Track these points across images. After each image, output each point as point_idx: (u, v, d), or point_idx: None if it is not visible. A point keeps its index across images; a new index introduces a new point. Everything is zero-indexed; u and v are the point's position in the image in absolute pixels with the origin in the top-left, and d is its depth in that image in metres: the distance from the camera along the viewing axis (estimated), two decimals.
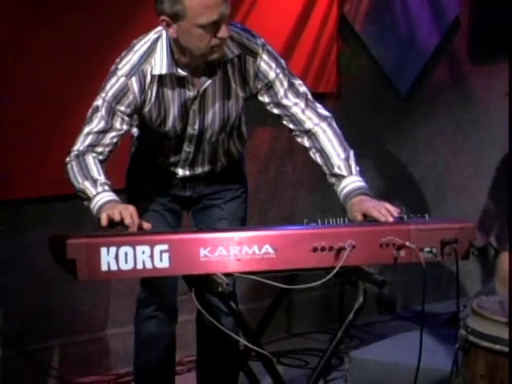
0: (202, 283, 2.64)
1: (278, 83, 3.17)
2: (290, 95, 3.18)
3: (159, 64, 3.08)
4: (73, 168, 3.03)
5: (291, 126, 3.22)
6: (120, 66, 3.09)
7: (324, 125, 3.18)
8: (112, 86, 3.08)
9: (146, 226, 2.84)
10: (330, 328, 4.83)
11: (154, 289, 3.30)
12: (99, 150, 3.07)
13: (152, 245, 2.56)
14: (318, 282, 2.68)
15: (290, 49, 4.82)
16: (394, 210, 2.92)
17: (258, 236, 2.66)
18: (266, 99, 3.19)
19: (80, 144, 3.07)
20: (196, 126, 3.19)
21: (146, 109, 3.13)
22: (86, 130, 3.08)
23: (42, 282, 4.11)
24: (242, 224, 3.37)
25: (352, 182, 3.10)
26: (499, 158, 5.58)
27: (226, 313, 2.93)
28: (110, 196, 2.95)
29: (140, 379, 3.50)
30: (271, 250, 2.65)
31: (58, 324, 4.29)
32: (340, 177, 3.13)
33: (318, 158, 3.20)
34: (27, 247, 4.02)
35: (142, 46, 3.11)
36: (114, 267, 2.53)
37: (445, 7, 5.44)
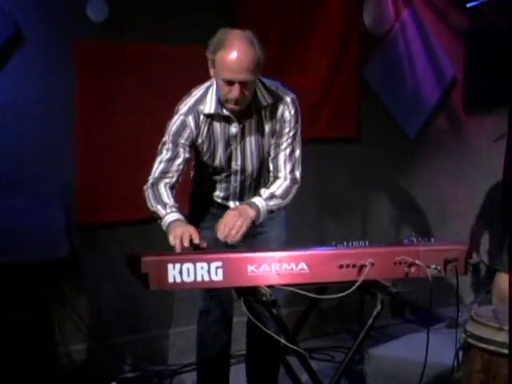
0: (250, 293, 2.62)
1: (286, 137, 3.15)
2: (287, 148, 3.16)
3: (209, 105, 3.08)
4: (149, 195, 3.07)
5: (271, 167, 3.19)
6: (180, 108, 3.11)
7: (287, 180, 3.16)
8: (174, 123, 3.10)
9: (203, 245, 2.84)
10: (352, 329, 4.78)
11: (214, 302, 3.26)
12: (170, 175, 3.09)
13: (209, 262, 2.55)
14: (344, 293, 2.64)
15: (320, 104, 4.82)
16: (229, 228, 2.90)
17: (295, 255, 2.64)
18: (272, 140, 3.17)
19: (154, 172, 3.10)
20: (239, 162, 3.16)
21: (199, 141, 3.12)
22: (158, 159, 3.11)
23: (122, 290, 4.10)
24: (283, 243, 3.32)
25: (256, 200, 3.09)
26: (489, 190, 5.51)
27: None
28: (175, 216, 2.97)
29: (202, 372, 3.44)
30: (305, 267, 2.63)
31: (134, 322, 4.28)
32: (257, 194, 3.14)
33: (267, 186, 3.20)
34: (113, 261, 4.02)
35: (198, 91, 3.13)
36: (178, 280, 2.52)
37: (444, 69, 5.41)
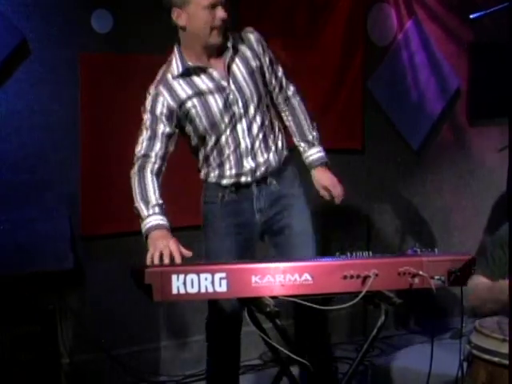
0: (253, 304, 2.61)
1: (272, 63, 3.25)
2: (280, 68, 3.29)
3: (175, 67, 3.07)
4: (135, 183, 3.00)
5: (277, 90, 3.26)
6: (150, 88, 3.09)
7: (298, 98, 3.31)
8: (148, 102, 3.07)
9: (187, 254, 2.80)
10: (356, 340, 4.77)
11: (221, 315, 3.22)
12: (152, 158, 3.02)
13: (213, 273, 2.54)
14: (348, 304, 2.63)
15: (324, 115, 4.81)
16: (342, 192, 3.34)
17: (299, 266, 2.63)
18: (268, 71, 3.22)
19: (137, 154, 3.04)
20: (240, 103, 3.09)
21: (191, 106, 3.06)
22: (140, 139, 3.06)
23: (126, 301, 4.09)
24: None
25: (316, 152, 3.26)
26: (493, 201, 5.50)
27: None
28: (157, 219, 2.90)
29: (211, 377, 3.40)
30: (309, 278, 2.62)
31: (138, 333, 4.28)
32: (310, 144, 3.27)
33: (292, 125, 3.29)
34: (117, 272, 4.02)
35: (161, 68, 3.13)
36: (182, 291, 2.51)
37: (448, 80, 5.41)
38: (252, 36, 3.18)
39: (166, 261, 2.75)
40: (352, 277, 2.65)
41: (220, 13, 2.97)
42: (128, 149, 4.10)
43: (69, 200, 3.96)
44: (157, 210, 2.94)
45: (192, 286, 2.52)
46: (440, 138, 5.44)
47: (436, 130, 5.41)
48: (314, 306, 2.71)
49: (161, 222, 2.92)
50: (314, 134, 3.34)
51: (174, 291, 2.51)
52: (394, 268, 2.70)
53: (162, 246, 2.79)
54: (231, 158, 3.15)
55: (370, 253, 2.83)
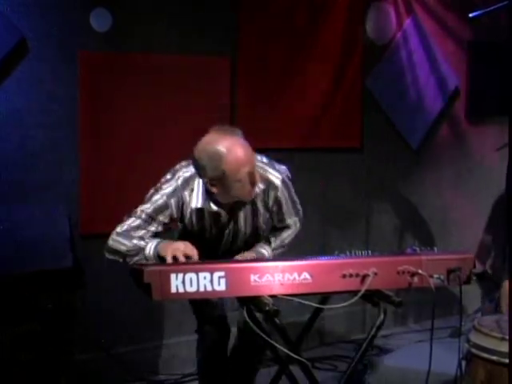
0: (252, 303, 2.61)
1: (287, 214, 3.23)
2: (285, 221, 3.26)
3: (195, 199, 3.05)
4: (117, 240, 3.03)
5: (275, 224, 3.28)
6: (164, 187, 3.05)
7: (296, 228, 3.31)
8: (155, 201, 3.04)
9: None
10: (354, 339, 4.77)
11: (209, 316, 3.25)
12: (144, 231, 3.04)
13: (212, 272, 2.55)
14: (347, 303, 2.64)
15: (323, 114, 4.82)
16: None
17: (298, 265, 2.64)
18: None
19: (120, 228, 3.05)
20: (231, 235, 3.17)
21: (186, 221, 3.10)
22: (127, 222, 3.04)
23: (125, 300, 4.09)
24: None
25: (264, 249, 3.20)
26: (492, 199, 5.51)
27: None
28: (158, 240, 2.97)
29: (203, 377, 3.43)
30: (308, 277, 2.62)
31: (137, 332, 4.28)
32: (266, 242, 3.24)
33: (272, 231, 3.29)
34: (116, 271, 4.01)
35: (183, 173, 3.07)
36: (181, 290, 2.52)
37: (446, 79, 5.41)
38: (275, 194, 3.14)
39: (181, 258, 2.79)
40: (351, 275, 2.65)
41: (253, 182, 2.96)
42: (127, 147, 4.14)
43: (68, 199, 3.96)
44: (151, 238, 3.00)
45: (191, 285, 2.52)
46: (439, 137, 5.44)
47: (435, 128, 5.41)
48: (314, 304, 2.72)
49: (162, 239, 2.98)
50: (277, 245, 3.29)
51: (173, 290, 2.51)
52: (393, 267, 2.70)
53: (174, 248, 2.84)
54: (207, 246, 3.19)
55: (369, 252, 2.84)
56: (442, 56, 5.35)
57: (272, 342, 2.70)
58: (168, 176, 3.09)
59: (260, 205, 3.14)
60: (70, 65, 3.95)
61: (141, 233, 3.02)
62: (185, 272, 2.52)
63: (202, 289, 2.53)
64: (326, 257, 2.76)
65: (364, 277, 2.65)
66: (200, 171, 2.94)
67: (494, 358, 2.63)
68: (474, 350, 2.71)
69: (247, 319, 2.61)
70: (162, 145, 4.12)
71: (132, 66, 4.11)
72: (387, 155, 5.16)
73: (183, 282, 2.52)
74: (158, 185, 3.08)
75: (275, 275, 2.59)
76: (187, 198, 3.04)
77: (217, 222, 3.13)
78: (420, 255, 2.77)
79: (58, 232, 3.85)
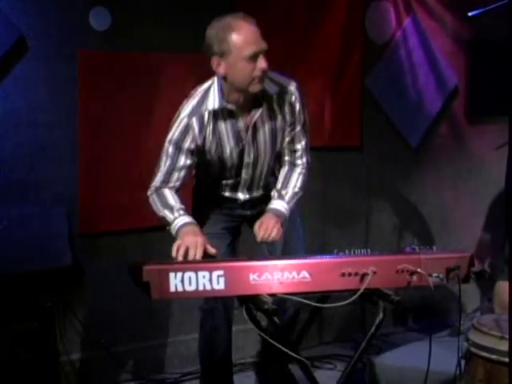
0: (251, 302, 2.61)
1: (299, 127, 3.19)
2: (300, 135, 3.20)
3: (212, 101, 3.04)
4: (154, 200, 3.05)
5: (286, 157, 3.23)
6: (182, 110, 3.06)
7: (304, 169, 3.24)
8: (176, 127, 3.04)
9: (212, 251, 2.85)
10: (353, 337, 4.76)
11: (216, 302, 3.25)
12: (171, 185, 3.07)
13: (211, 270, 2.54)
14: (346, 302, 2.63)
15: (323, 113, 4.82)
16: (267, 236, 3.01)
17: (297, 264, 2.63)
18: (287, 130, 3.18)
19: (155, 181, 3.07)
20: (251, 155, 3.13)
21: (207, 145, 3.07)
22: (160, 167, 3.07)
23: (124, 298, 4.09)
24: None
25: (281, 205, 3.14)
26: (491, 198, 5.50)
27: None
28: (185, 219, 2.97)
29: (204, 371, 3.42)
30: (307, 275, 2.62)
31: (136, 331, 4.27)
32: (281, 197, 3.17)
33: (280, 179, 3.23)
34: (115, 269, 4.01)
35: (199, 92, 3.09)
36: (180, 289, 2.51)
37: (446, 78, 5.41)
38: (290, 97, 3.13)
39: (191, 257, 2.80)
40: (350, 274, 2.65)
41: (261, 63, 2.93)
42: (126, 146, 4.13)
43: (67, 198, 3.96)
44: (182, 212, 3.01)
45: (190, 284, 2.52)
46: (438, 136, 5.44)
47: (434, 127, 5.41)
48: (313, 303, 2.71)
49: (188, 220, 2.98)
50: (290, 196, 3.22)
51: (172, 289, 2.51)
52: (392, 265, 2.70)
53: (189, 242, 2.84)
54: (227, 187, 3.23)
55: (369, 250, 2.83)
56: (442, 55, 5.35)
57: (271, 340, 2.69)
58: (184, 101, 3.09)
59: (276, 107, 3.10)
60: (69, 64, 3.94)
61: (174, 176, 3.03)
62: (184, 271, 2.51)
63: (201, 288, 2.52)
64: (325, 255, 2.76)
65: (363, 275, 2.65)
66: (208, 50, 2.95)
67: (494, 356, 2.62)
68: (473, 349, 2.70)
69: (246, 316, 2.60)
70: (162, 144, 4.10)
71: (132, 66, 4.11)
72: (387, 154, 5.16)
73: (182, 281, 2.51)
74: (177, 113, 3.08)
75: (274, 274, 2.58)
76: (205, 109, 3.02)
77: (236, 135, 3.07)
78: (419, 254, 2.77)
79: (57, 231, 3.85)
